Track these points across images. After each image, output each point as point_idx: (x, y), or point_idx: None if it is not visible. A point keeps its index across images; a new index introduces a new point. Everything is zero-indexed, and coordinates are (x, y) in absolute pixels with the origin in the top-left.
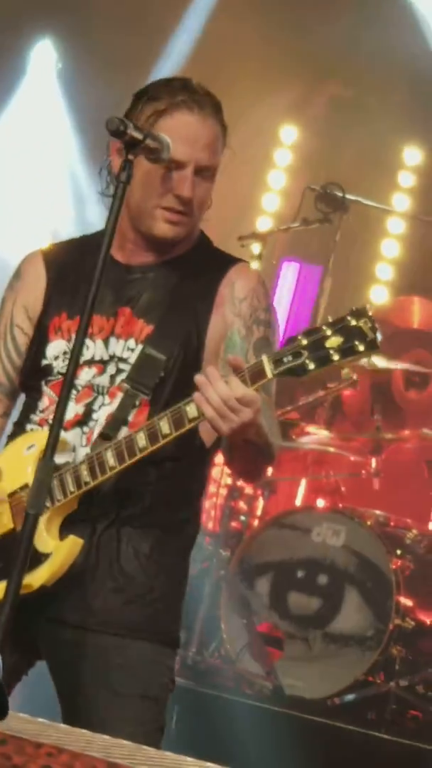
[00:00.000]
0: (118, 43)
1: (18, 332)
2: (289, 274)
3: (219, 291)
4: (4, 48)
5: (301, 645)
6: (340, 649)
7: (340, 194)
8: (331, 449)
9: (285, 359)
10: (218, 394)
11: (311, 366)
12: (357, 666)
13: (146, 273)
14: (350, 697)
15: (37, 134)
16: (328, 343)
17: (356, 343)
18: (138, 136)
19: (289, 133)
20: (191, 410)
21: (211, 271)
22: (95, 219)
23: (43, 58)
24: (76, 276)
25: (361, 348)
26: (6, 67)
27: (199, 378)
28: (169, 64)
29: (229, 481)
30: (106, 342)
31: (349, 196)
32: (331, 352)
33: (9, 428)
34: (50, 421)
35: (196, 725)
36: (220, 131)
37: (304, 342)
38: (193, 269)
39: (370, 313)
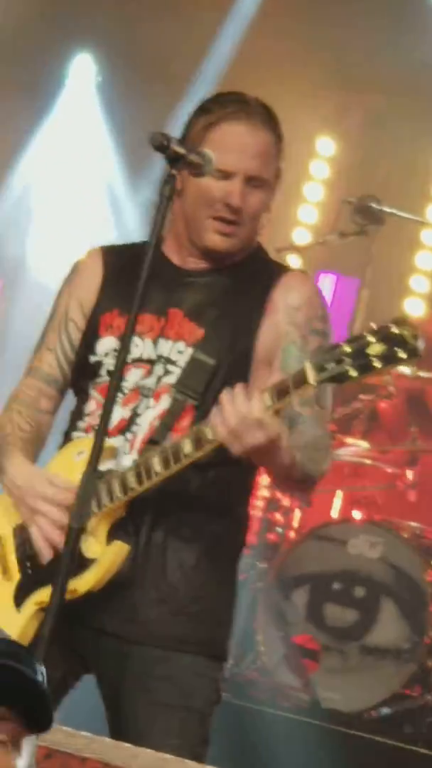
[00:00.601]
0: (158, 57)
1: (72, 327)
2: (326, 286)
3: (272, 297)
4: (43, 61)
5: (337, 657)
6: (376, 661)
7: (376, 206)
8: (368, 461)
9: (327, 366)
10: (237, 410)
11: (353, 373)
12: (393, 679)
13: (200, 277)
14: (387, 710)
15: (75, 147)
16: (371, 351)
17: (397, 350)
18: (180, 150)
19: (326, 146)
20: None
21: (265, 278)
22: (134, 231)
23: (83, 71)
24: (131, 276)
25: (403, 355)
26: (45, 79)
27: (221, 396)
28: (207, 78)
29: (266, 493)
30: (155, 342)
31: (384, 209)
32: (373, 359)
33: (58, 437)
34: (96, 427)
35: (233, 738)
36: (272, 141)
37: (347, 349)
38: (247, 276)
39: (412, 322)
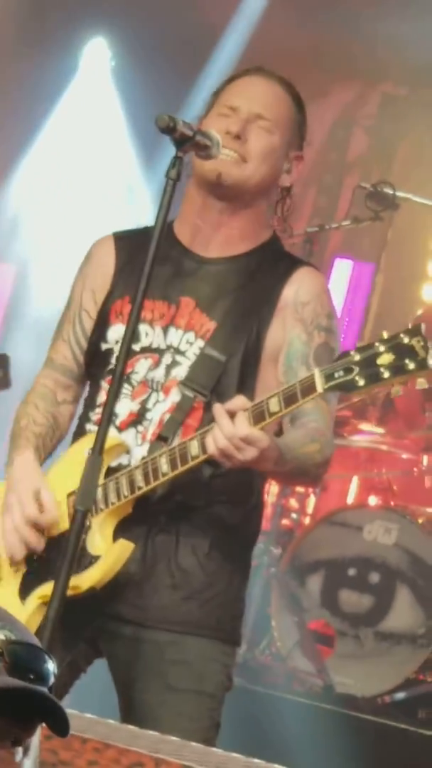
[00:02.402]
0: (171, 40)
1: (85, 316)
2: (342, 271)
3: (282, 293)
4: (57, 44)
5: (352, 643)
6: (391, 647)
7: (390, 192)
8: (383, 447)
9: (336, 374)
10: (222, 431)
11: (361, 383)
12: (408, 664)
13: (214, 266)
14: (401, 695)
15: (89, 131)
16: (380, 360)
17: (407, 361)
18: (188, 132)
19: (341, 132)
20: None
21: (277, 273)
22: (149, 217)
23: (97, 56)
24: (143, 262)
25: (412, 367)
26: (59, 63)
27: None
28: (221, 63)
29: None
30: (165, 330)
31: (399, 194)
32: (382, 369)
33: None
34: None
35: (247, 723)
36: (288, 101)
37: (357, 358)
38: (260, 268)
39: (423, 333)
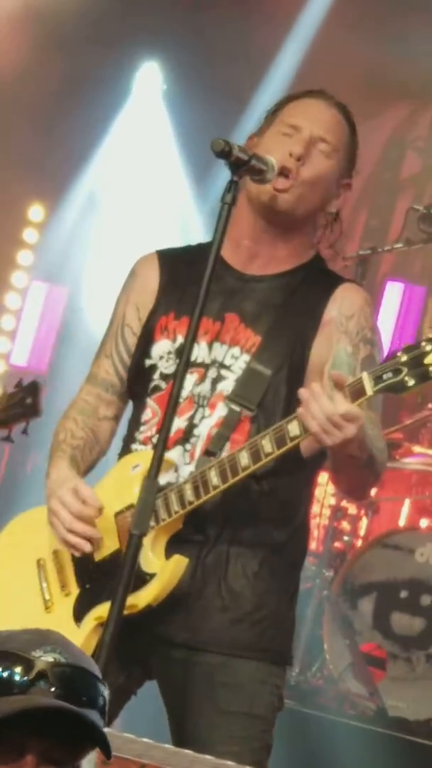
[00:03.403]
0: (223, 65)
1: (128, 332)
2: (393, 294)
3: (326, 309)
4: (110, 68)
5: (404, 665)
6: None
7: None
8: None
9: (384, 376)
10: (322, 409)
11: (411, 382)
12: None
13: (258, 283)
14: None
15: (141, 155)
16: (427, 360)
17: None
18: (243, 157)
19: (393, 153)
20: (293, 428)
21: (320, 290)
22: (199, 239)
23: (149, 80)
24: (187, 279)
25: None
26: (112, 87)
27: (303, 392)
28: (273, 86)
29: (332, 501)
30: (210, 346)
31: None
32: (431, 368)
33: (119, 444)
34: (154, 440)
35: (299, 745)
36: (346, 128)
37: (404, 358)
38: (304, 285)
39: None
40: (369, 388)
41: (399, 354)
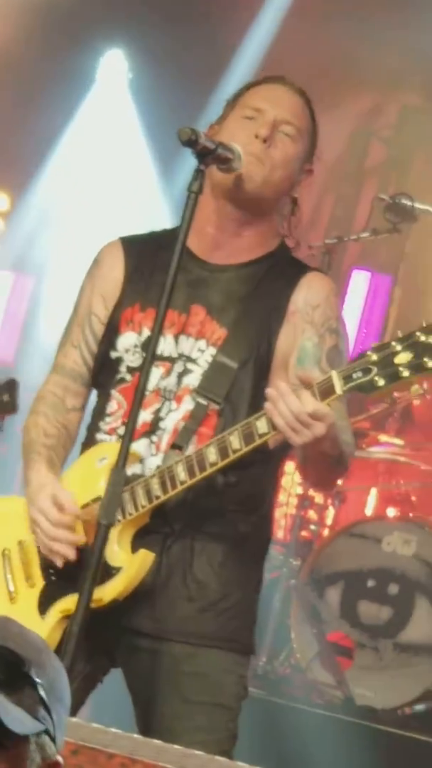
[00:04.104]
0: (189, 53)
1: (95, 321)
2: (359, 283)
3: (291, 298)
4: (74, 57)
5: (371, 654)
6: (410, 658)
7: (408, 204)
8: (402, 458)
9: (354, 375)
10: (289, 408)
11: (381, 382)
12: (428, 676)
13: (223, 273)
14: (421, 707)
15: (107, 142)
16: (398, 360)
17: (426, 359)
18: (209, 145)
19: (358, 142)
20: (261, 425)
21: (285, 280)
22: (165, 227)
23: (114, 68)
24: (152, 267)
25: (431, 364)
26: (76, 75)
27: (270, 392)
28: (237, 74)
29: (299, 490)
30: (176, 338)
31: (418, 206)
32: (401, 368)
33: (82, 432)
34: (119, 431)
35: (267, 735)
36: (308, 113)
37: (374, 358)
38: (270, 275)
39: None
40: (338, 388)
41: (369, 353)
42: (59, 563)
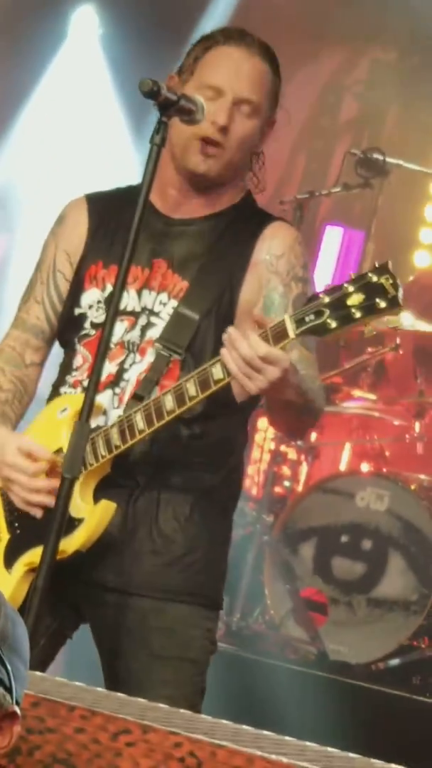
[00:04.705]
0: (159, 7)
1: (60, 278)
2: (332, 238)
3: (255, 249)
4: (44, 13)
5: (345, 610)
6: (384, 613)
7: (380, 158)
8: (375, 414)
9: (307, 318)
10: (240, 353)
11: (333, 324)
12: (401, 631)
13: (186, 226)
14: (395, 661)
15: (78, 99)
16: (350, 301)
17: (378, 300)
18: (171, 97)
19: (331, 97)
20: (217, 372)
21: (249, 231)
22: (137, 182)
23: (85, 24)
24: (116, 224)
25: (383, 305)
26: (46, 32)
27: (224, 337)
28: (208, 29)
29: (272, 446)
30: (139, 293)
31: (390, 160)
32: (353, 310)
33: (47, 390)
34: (84, 383)
35: (241, 690)
36: (269, 75)
37: (326, 300)
38: (233, 227)
39: (391, 270)
40: (291, 331)
41: (321, 296)
42: (39, 514)
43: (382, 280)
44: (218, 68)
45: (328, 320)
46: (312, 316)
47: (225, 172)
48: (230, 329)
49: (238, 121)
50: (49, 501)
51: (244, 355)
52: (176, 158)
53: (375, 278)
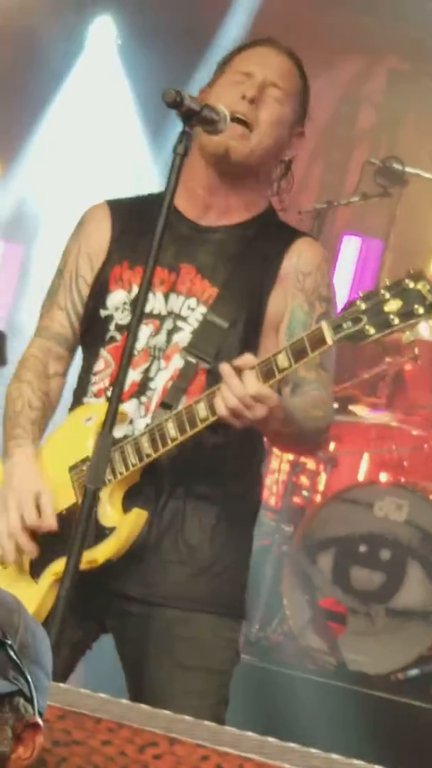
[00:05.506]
0: (177, 17)
1: (82, 282)
2: (350, 248)
3: (283, 263)
4: (62, 24)
5: (364, 620)
6: (403, 623)
7: (399, 168)
8: (394, 423)
9: (344, 325)
10: (232, 391)
11: (371, 331)
12: (420, 641)
13: (212, 234)
14: (414, 672)
15: (97, 109)
16: (387, 307)
17: (416, 306)
18: (194, 107)
19: (348, 107)
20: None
21: (277, 243)
22: (155, 192)
23: (103, 34)
24: (139, 228)
25: (421, 311)
26: (65, 42)
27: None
28: (227, 39)
29: (291, 456)
30: (166, 297)
31: (408, 170)
32: (391, 316)
33: (69, 397)
34: (108, 393)
35: (260, 701)
36: (297, 74)
37: (363, 307)
38: (260, 237)
39: (428, 276)
40: (329, 338)
41: (358, 302)
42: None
43: (419, 287)
44: (248, 59)
45: (367, 327)
46: (349, 323)
47: (251, 156)
48: (222, 366)
49: (267, 102)
50: (10, 558)
51: (236, 392)
52: (204, 150)
53: (412, 284)
